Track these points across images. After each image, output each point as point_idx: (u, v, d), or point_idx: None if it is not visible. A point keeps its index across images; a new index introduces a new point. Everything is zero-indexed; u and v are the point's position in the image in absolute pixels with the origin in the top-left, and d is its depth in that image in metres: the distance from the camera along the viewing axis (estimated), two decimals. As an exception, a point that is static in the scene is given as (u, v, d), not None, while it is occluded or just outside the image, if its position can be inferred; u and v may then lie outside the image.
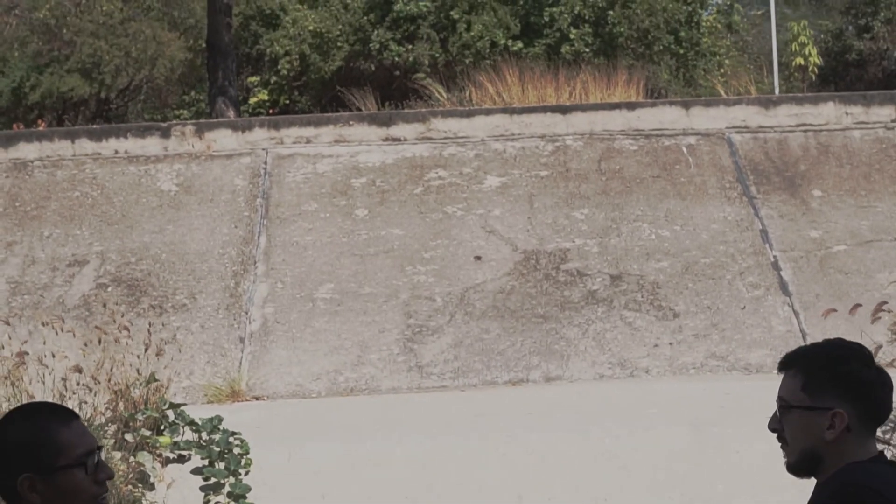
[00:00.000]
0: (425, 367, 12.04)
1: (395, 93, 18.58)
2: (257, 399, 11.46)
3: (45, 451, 3.17)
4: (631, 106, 14.62)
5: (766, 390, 10.55)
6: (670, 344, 12.14)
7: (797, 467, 3.27)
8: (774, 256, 12.93)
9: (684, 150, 14.30)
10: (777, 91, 17.40)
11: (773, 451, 8.85)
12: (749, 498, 8.71)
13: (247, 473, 8.61)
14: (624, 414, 9.74)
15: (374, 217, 13.52)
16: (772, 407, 9.32)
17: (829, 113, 14.50)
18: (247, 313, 12.48)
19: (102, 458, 3.26)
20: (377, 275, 12.89)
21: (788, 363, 3.31)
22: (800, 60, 17.39)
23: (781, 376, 3.34)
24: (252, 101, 21.27)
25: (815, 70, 18.11)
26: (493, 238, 13.28)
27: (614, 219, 13.48)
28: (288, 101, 21.46)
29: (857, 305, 9.65)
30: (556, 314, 12.47)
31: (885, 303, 9.21)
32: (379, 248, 13.18)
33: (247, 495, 8.43)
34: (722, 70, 21.44)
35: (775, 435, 3.33)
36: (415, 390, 11.75)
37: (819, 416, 3.20)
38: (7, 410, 3.45)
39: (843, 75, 23.01)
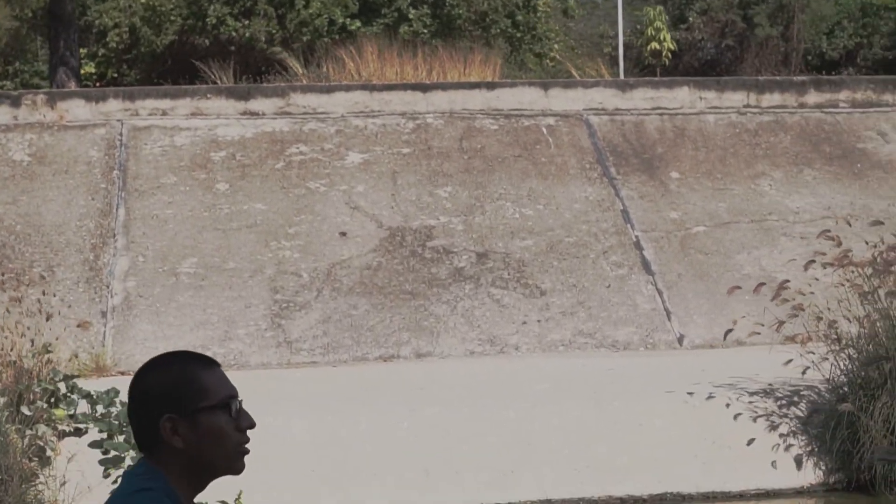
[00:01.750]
0: (294, 342, 11.83)
1: (248, 68, 18.20)
2: (123, 374, 11.08)
3: (186, 392, 2.98)
4: (490, 86, 14.63)
5: (648, 367, 10.69)
6: (538, 321, 12.18)
7: None
8: (636, 236, 13.09)
9: (544, 130, 14.37)
10: (622, 75, 17.64)
11: (672, 425, 8.95)
12: (651, 470, 8.77)
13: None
14: (518, 389, 9.72)
15: (236, 191, 13.22)
16: (658, 382, 9.36)
17: (683, 97, 14.75)
18: (108, 287, 12.06)
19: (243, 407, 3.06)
20: (241, 249, 12.61)
21: None
22: (655, 45, 17.69)
23: None
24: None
25: (669, 55, 18.45)
26: (358, 214, 13.13)
27: (478, 197, 13.46)
28: (116, 75, 20.85)
29: (761, 284, 9.83)
30: (425, 291, 12.39)
31: (788, 280, 9.38)
32: (242, 222, 12.90)
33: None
34: (552, 55, 21.65)
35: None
36: (285, 366, 11.53)
37: None
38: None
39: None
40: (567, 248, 12.93)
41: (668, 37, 17.89)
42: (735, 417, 9.04)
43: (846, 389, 8.85)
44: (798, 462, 8.84)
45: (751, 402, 9.17)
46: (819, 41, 25.93)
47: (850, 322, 8.99)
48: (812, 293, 9.31)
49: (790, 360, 9.04)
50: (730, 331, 9.69)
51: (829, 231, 9.29)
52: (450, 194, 13.47)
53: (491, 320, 12.15)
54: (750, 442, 8.89)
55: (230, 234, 12.76)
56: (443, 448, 8.84)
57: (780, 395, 9.27)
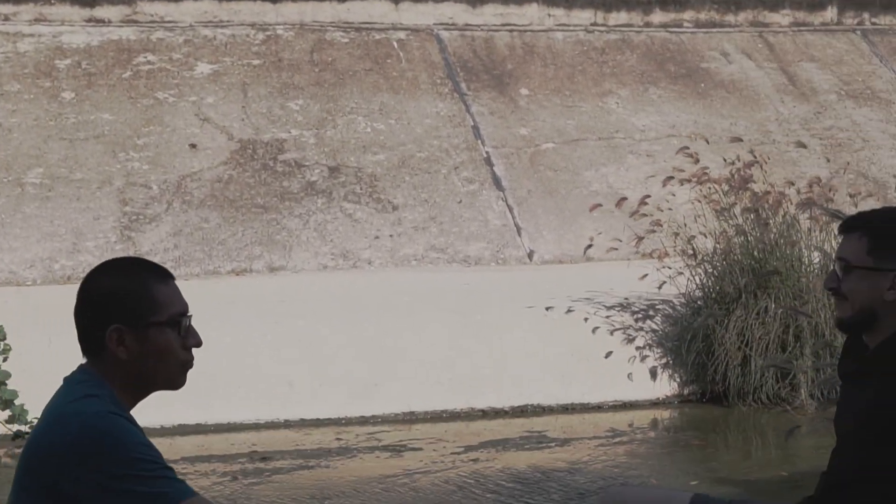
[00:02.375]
0: (145, 255, 11.64)
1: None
2: (-32, 287, 10.81)
3: (138, 304, 2.95)
4: (341, -2, 14.50)
5: (503, 281, 10.81)
6: (391, 236, 12.21)
7: (851, 322, 3.39)
8: (487, 152, 13.17)
9: (395, 44, 14.32)
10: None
11: (533, 339, 9.10)
12: (512, 383, 8.92)
13: (5, 360, 8.15)
14: (378, 303, 9.76)
15: (82, 101, 12.91)
16: (516, 296, 9.55)
17: (532, 14, 14.83)
18: (-50, 197, 11.72)
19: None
20: (88, 160, 12.35)
21: (852, 226, 3.41)
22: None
23: (842, 238, 3.44)
24: None
25: None
26: (208, 126, 12.95)
27: (329, 110, 13.38)
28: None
29: (623, 199, 9.98)
30: (277, 205, 12.31)
31: (649, 196, 9.55)
32: (89, 132, 12.62)
33: (7, 382, 7.99)
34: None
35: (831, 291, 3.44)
36: (136, 280, 11.35)
37: (882, 277, 3.32)
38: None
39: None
40: (419, 163, 12.95)
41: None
42: (593, 331, 9.22)
43: (701, 303, 9.09)
44: (654, 374, 9.07)
45: (608, 317, 9.37)
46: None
47: (707, 238, 9.22)
48: (670, 209, 9.51)
49: (645, 275, 9.24)
50: (589, 246, 9.86)
51: (687, 148, 9.48)
52: (301, 107, 13.37)
53: (344, 234, 12.13)
54: (608, 355, 9.09)
55: (77, 144, 12.48)
56: (305, 362, 8.85)
57: (636, 309, 9.48)
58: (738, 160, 9.25)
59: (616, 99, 14.07)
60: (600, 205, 10.44)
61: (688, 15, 15.24)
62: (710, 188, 9.19)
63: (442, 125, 13.43)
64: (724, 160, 9.66)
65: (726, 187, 9.11)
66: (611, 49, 14.76)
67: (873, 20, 15.57)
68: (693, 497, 3.65)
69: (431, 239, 12.24)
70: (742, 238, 9.01)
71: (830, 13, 15.52)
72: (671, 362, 9.10)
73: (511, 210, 12.60)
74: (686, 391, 9.02)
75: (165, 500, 2.80)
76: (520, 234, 12.36)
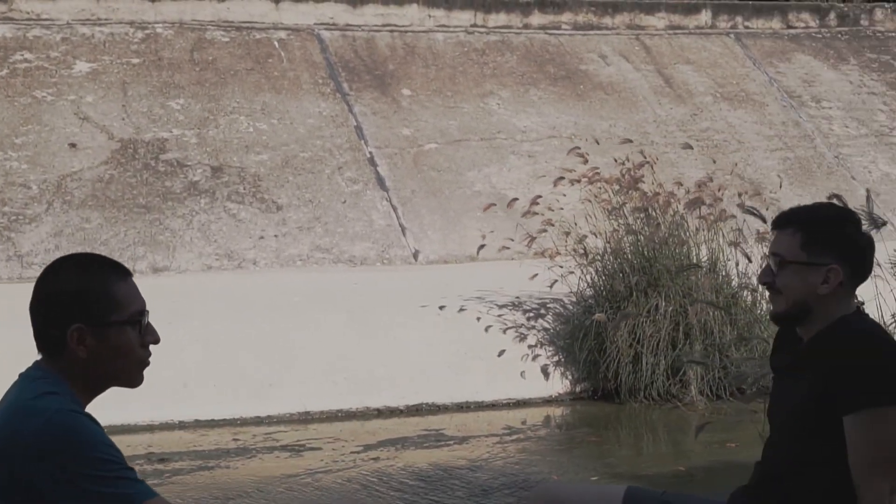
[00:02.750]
0: (25, 256, 11.46)
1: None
2: None
3: (98, 303, 2.93)
4: (221, -4, 14.40)
5: (393, 281, 10.84)
6: (275, 236, 12.16)
7: (786, 316, 3.48)
8: (370, 152, 13.19)
9: (276, 44, 14.26)
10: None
11: (426, 338, 9.14)
12: (406, 381, 8.95)
13: None
14: (269, 303, 9.72)
15: (-43, 98, 12.64)
16: (408, 295, 9.56)
17: (413, 15, 14.88)
18: None
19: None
20: (-35, 160, 12.09)
21: (786, 222, 3.50)
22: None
23: (775, 233, 3.52)
24: None
25: None
26: (88, 125, 12.76)
27: (211, 110, 13.28)
28: None
29: (515, 199, 10.07)
30: (159, 205, 12.18)
31: (540, 196, 9.64)
32: (-35, 131, 12.36)
33: None
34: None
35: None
36: (16, 280, 11.16)
37: (815, 272, 3.41)
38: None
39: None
40: (302, 163, 12.91)
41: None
42: (486, 330, 9.30)
43: (592, 302, 9.21)
44: (546, 372, 9.17)
45: (500, 315, 9.45)
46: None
47: (597, 237, 9.35)
48: (561, 209, 9.63)
49: (536, 275, 9.35)
50: (482, 246, 9.92)
51: (578, 148, 9.60)
52: (182, 107, 13.24)
53: (228, 235, 12.05)
54: (501, 353, 9.17)
55: (-48, 143, 12.21)
56: (199, 363, 8.78)
57: (528, 307, 9.58)
58: (628, 160, 9.40)
59: (497, 100, 14.18)
60: (494, 204, 10.55)
61: (566, 17, 15.42)
62: (600, 188, 9.32)
63: (325, 125, 13.41)
64: (615, 160, 9.80)
65: (616, 187, 9.24)
66: (491, 50, 14.87)
67: (746, 24, 15.91)
68: (627, 489, 3.72)
69: (316, 239, 12.21)
70: (632, 237, 9.15)
71: (705, 17, 15.82)
72: (563, 360, 9.21)
73: (395, 210, 12.63)
74: (578, 388, 9.14)
75: (128, 500, 2.79)
76: (405, 235, 12.39)
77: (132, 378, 3.03)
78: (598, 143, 11.35)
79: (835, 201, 6.11)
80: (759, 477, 3.56)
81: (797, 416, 3.40)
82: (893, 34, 16.33)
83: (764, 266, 3.56)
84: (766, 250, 8.59)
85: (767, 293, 3.60)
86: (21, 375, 2.99)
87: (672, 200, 9.04)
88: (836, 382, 3.30)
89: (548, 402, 9.06)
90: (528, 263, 9.91)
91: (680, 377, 8.81)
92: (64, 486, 2.75)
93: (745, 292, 9.12)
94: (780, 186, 12.47)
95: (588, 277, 9.30)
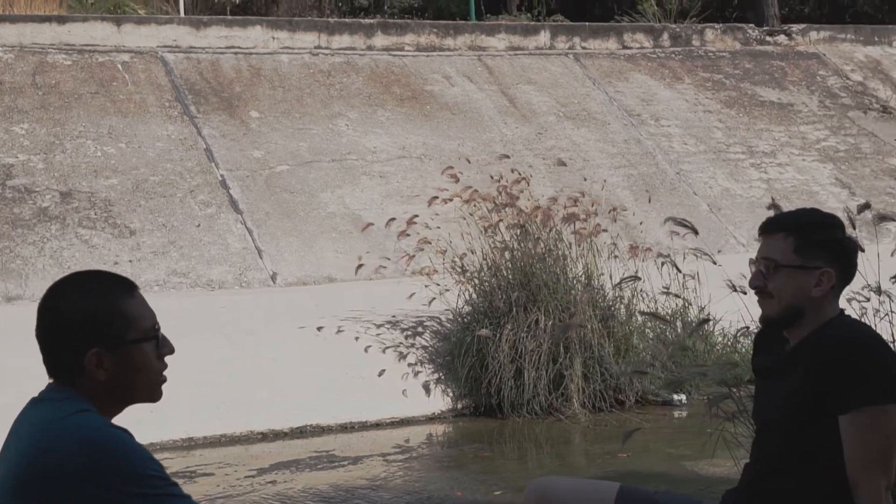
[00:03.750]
0: None
1: None
2: None
3: (112, 324, 2.85)
4: (61, 19, 14.11)
5: (261, 303, 10.74)
6: (130, 261, 11.95)
7: (779, 319, 3.57)
8: (222, 175, 13.07)
9: (119, 67, 14.03)
10: (182, 12, 17.44)
11: (307, 359, 9.09)
12: (289, 404, 8.89)
13: None
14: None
15: None
16: (282, 317, 9.52)
17: (257, 36, 14.80)
18: None
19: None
20: None
21: (776, 227, 3.58)
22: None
23: (764, 238, 3.61)
24: None
25: None
26: (-71, 151, 12.36)
27: (57, 134, 13.00)
28: None
29: (370, 224, 10.10)
30: (9, 232, 11.87)
31: (417, 215, 9.66)
32: None
33: None
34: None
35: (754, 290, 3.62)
36: None
37: (808, 275, 3.51)
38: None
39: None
40: (153, 187, 12.72)
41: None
42: (366, 349, 9.30)
43: (469, 318, 9.28)
44: (427, 390, 9.20)
45: (379, 335, 9.46)
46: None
47: (474, 254, 9.42)
48: (438, 228, 9.68)
49: (413, 294, 9.40)
50: (360, 266, 9.90)
51: (451, 168, 9.67)
52: (27, 131, 12.93)
53: (81, 261, 11.79)
54: (381, 373, 9.18)
55: None
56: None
57: (405, 326, 9.60)
58: (502, 178, 9.51)
59: (346, 121, 14.19)
60: (372, 224, 10.55)
61: (409, 39, 15.52)
62: (475, 206, 9.40)
63: (174, 148, 13.23)
64: (491, 177, 9.91)
65: (492, 205, 9.34)
66: (337, 72, 14.88)
67: (583, 45, 16.23)
68: (620, 487, 3.78)
69: (172, 264, 12.04)
70: (509, 253, 9.25)
71: (544, 38, 16.09)
72: (444, 377, 9.26)
73: (251, 233, 12.53)
74: (460, 405, 9.19)
75: None
76: (261, 257, 12.30)
77: (153, 393, 2.97)
78: (468, 162, 11.43)
79: (680, 222, 6.29)
80: (751, 476, 3.65)
81: (790, 415, 3.50)
82: (724, 54, 16.85)
83: (754, 271, 3.64)
84: (660, 261, 8.79)
85: (757, 297, 3.67)
86: (38, 399, 2.90)
87: (551, 216, 9.16)
88: (831, 382, 3.40)
89: (431, 419, 9.09)
90: (393, 282, 9.94)
91: (562, 391, 8.94)
92: None
93: (620, 305, 9.31)
94: (637, 202, 12.76)
95: (466, 295, 9.37)
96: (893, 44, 17.89)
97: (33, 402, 2.91)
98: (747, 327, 7.38)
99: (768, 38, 17.41)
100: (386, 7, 26.46)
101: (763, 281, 3.58)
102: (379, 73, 15.06)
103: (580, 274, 9.25)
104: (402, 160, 13.79)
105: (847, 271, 3.58)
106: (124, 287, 2.91)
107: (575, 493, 3.75)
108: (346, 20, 16.99)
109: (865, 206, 6.69)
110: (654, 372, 7.05)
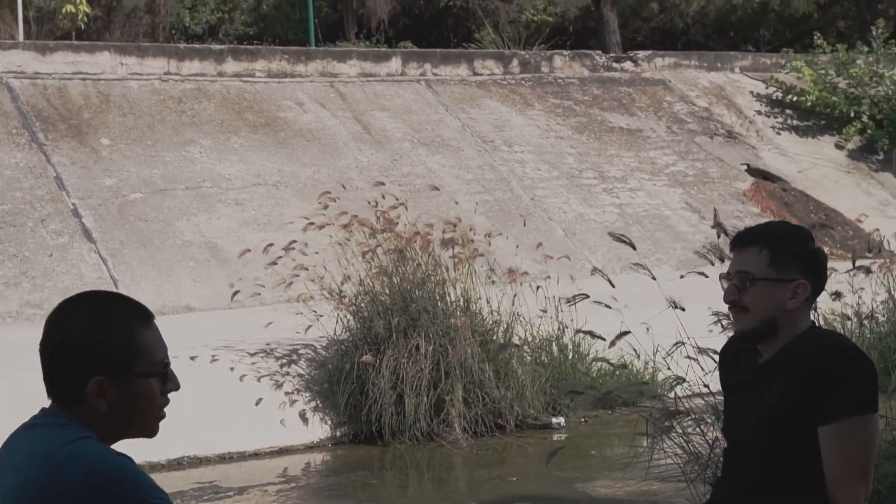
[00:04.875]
0: None
1: None
2: None
3: (123, 353, 2.67)
4: None
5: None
6: (-20, 293, 11.56)
7: (755, 333, 3.53)
8: (74, 204, 12.72)
9: (-39, 92, 13.57)
10: (22, 37, 16.96)
11: (182, 390, 8.85)
12: (166, 435, 8.59)
13: None
14: (9, 361, 9.23)
15: None
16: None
17: (105, 62, 14.47)
18: None
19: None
20: None
21: (749, 241, 3.55)
22: (70, 8, 16.98)
23: (737, 252, 3.57)
24: None
25: (85, 19, 17.74)
26: None
27: None
28: None
29: (246, 250, 9.95)
30: None
31: (295, 241, 9.47)
32: None
33: None
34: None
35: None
36: None
37: (784, 288, 3.50)
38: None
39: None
40: (2, 216, 12.32)
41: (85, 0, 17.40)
42: (241, 379, 9.11)
43: (348, 345, 9.16)
44: (305, 418, 9.05)
45: (253, 363, 9.28)
46: (183, 15, 26.24)
47: (350, 281, 9.31)
48: (316, 253, 9.53)
49: (270, 323, 9.29)
50: (236, 292, 9.70)
51: (329, 193, 9.55)
52: None
53: (-72, 294, 11.37)
54: (258, 402, 9.00)
55: None
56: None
57: (279, 354, 9.44)
58: (378, 204, 9.43)
59: (199, 148, 13.95)
60: (249, 250, 10.34)
61: (259, 65, 15.35)
62: (350, 232, 9.30)
63: (23, 176, 12.84)
64: (369, 203, 9.82)
65: (369, 230, 9.25)
66: (188, 98, 14.63)
67: (435, 71, 16.25)
68: None
69: (25, 294, 11.67)
70: (387, 279, 9.16)
71: (395, 64, 16.07)
72: (322, 405, 9.12)
73: (105, 262, 12.21)
74: (339, 433, 9.06)
75: None
76: (117, 287, 11.98)
77: (150, 429, 2.81)
78: (344, 188, 11.27)
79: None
80: (725, 493, 3.61)
81: (768, 429, 3.47)
82: (573, 80, 17.04)
83: (728, 286, 3.59)
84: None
85: (731, 312, 3.64)
86: (29, 426, 2.72)
87: (429, 241, 9.12)
88: (813, 393, 3.38)
89: (310, 448, 8.95)
90: (259, 311, 9.78)
91: (443, 416, 8.87)
92: None
93: (498, 328, 9.30)
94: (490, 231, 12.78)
95: (344, 321, 9.25)
96: (735, 70, 18.32)
97: (24, 429, 2.73)
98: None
99: (615, 65, 17.68)
100: (221, 35, 26.22)
101: (738, 295, 3.54)
102: (231, 99, 14.85)
103: (459, 299, 9.21)
104: (258, 187, 13.61)
105: (819, 282, 3.58)
106: (141, 315, 2.74)
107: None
108: (196, 46, 16.74)
109: (718, 226, 6.74)
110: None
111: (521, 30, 23.18)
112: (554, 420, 9.29)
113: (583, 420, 9.48)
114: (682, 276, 7.84)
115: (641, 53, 18.13)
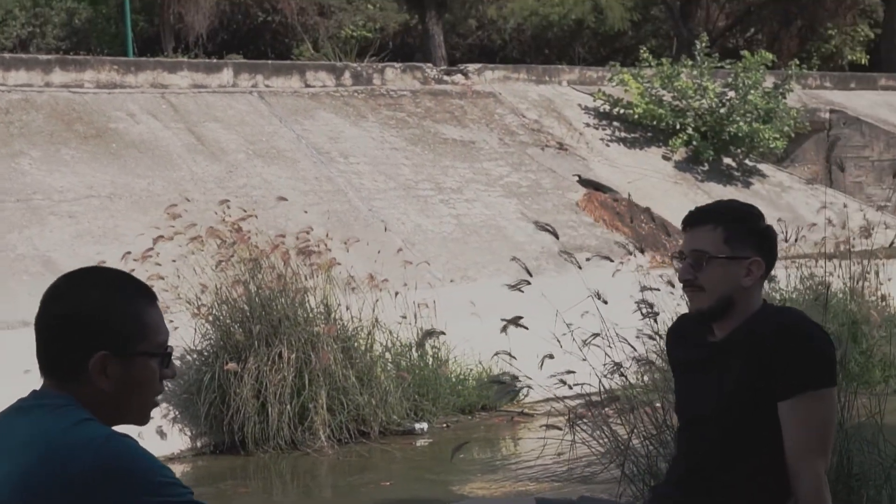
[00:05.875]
0: None
1: None
2: None
3: (129, 330, 2.55)
4: None
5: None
6: None
7: (711, 312, 3.54)
8: None
9: None
10: None
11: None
12: None
13: None
14: None
15: None
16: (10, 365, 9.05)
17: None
18: None
19: None
20: None
21: (702, 220, 3.56)
22: None
23: (690, 231, 3.57)
24: None
25: None
26: None
27: None
28: None
29: (102, 262, 9.65)
30: None
31: (151, 248, 9.22)
32: None
33: None
34: None
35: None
36: None
37: (738, 265, 3.51)
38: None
39: None
40: None
41: None
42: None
43: (208, 354, 8.99)
44: (164, 429, 8.85)
45: (108, 375, 9.01)
46: (-8, 29, 25.55)
47: (206, 291, 9.14)
48: (173, 261, 9.33)
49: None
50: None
51: (175, 206, 9.37)
52: None
53: None
54: (114, 414, 8.74)
55: None
56: None
57: (134, 365, 9.19)
58: (226, 215, 9.31)
59: (28, 159, 13.53)
60: (104, 262, 10.03)
61: (88, 76, 14.98)
62: (200, 243, 9.13)
63: None
64: (216, 213, 9.66)
65: (220, 241, 9.10)
66: (15, 109, 14.18)
67: (267, 83, 16.09)
68: (537, 499, 3.68)
69: None
70: (242, 287, 9.02)
71: (227, 75, 15.86)
72: (181, 416, 8.93)
73: (-63, 278, 11.75)
74: (200, 443, 8.88)
75: None
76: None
77: (145, 415, 2.69)
78: (188, 200, 11.06)
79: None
80: (683, 471, 3.60)
81: (730, 406, 3.47)
82: (405, 92, 17.05)
83: (682, 265, 3.59)
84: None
85: (685, 291, 3.63)
86: (28, 406, 2.57)
87: (287, 249, 9.03)
88: (773, 369, 3.41)
89: (169, 459, 8.72)
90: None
91: (307, 424, 8.76)
92: None
93: (361, 335, 9.25)
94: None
95: (202, 330, 9.07)
96: (563, 83, 18.58)
97: (14, 412, 2.57)
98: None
99: (446, 78, 17.76)
100: (32, 50, 25.56)
101: (693, 273, 3.54)
102: (60, 110, 14.46)
103: (319, 306, 9.12)
104: (91, 199, 13.26)
105: (771, 260, 3.61)
106: (146, 293, 2.63)
107: (492, 512, 3.63)
108: (23, 56, 16.28)
109: (543, 228, 6.65)
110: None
111: (341, 45, 23.14)
112: (417, 426, 9.27)
113: (445, 425, 9.48)
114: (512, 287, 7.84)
115: (472, 66, 18.26)
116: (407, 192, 15.03)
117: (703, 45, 17.64)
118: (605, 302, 6.23)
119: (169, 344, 2.67)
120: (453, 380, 9.66)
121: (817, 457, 3.42)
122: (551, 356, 5.79)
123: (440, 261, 13.91)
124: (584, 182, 16.35)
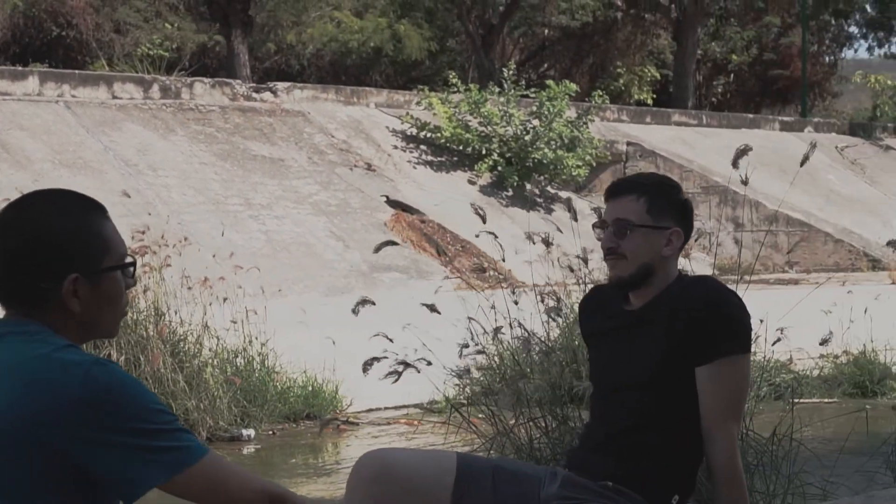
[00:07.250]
0: None
1: None
2: None
3: (93, 249, 2.49)
4: None
5: None
6: None
7: (632, 280, 3.61)
8: None
9: None
10: None
11: None
12: None
13: None
14: None
15: None
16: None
17: None
18: None
19: None
20: None
21: (625, 189, 3.64)
22: None
23: (612, 201, 3.65)
24: None
25: None
26: None
27: None
28: None
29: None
30: None
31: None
32: None
33: None
34: None
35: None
36: None
37: (660, 235, 3.61)
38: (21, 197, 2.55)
39: None
40: None
41: None
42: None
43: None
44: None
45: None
46: None
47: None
48: None
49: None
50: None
51: None
52: None
53: None
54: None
55: None
56: None
57: None
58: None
59: None
60: None
61: None
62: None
63: None
64: None
65: None
66: None
67: (73, 93, 15.77)
68: (458, 455, 3.69)
69: None
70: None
71: (33, 84, 15.49)
72: (2, 420, 8.66)
73: None
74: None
75: (190, 453, 2.45)
76: None
77: (114, 328, 2.63)
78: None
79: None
80: (602, 437, 3.64)
81: (646, 373, 3.55)
82: (214, 108, 16.91)
83: (605, 233, 3.65)
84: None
85: (606, 260, 3.69)
86: (5, 336, 2.49)
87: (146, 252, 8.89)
88: (691, 337, 3.50)
89: None
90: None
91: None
92: (125, 446, 2.37)
93: (190, 339, 9.15)
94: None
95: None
96: (371, 105, 18.68)
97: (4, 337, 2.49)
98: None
99: (255, 95, 17.68)
100: None
101: (615, 241, 3.61)
102: None
103: (150, 307, 8.98)
104: None
105: (689, 232, 3.72)
106: (99, 209, 2.56)
107: (416, 464, 3.61)
108: None
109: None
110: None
111: (136, 65, 22.81)
112: (244, 432, 9.18)
113: (271, 432, 9.42)
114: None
115: (281, 85, 18.23)
116: (216, 206, 14.90)
117: (511, 73, 17.98)
118: (439, 312, 6.16)
119: (127, 252, 2.62)
120: (279, 388, 9.62)
121: (732, 422, 3.53)
122: (375, 361, 5.71)
123: (251, 276, 13.81)
124: (392, 203, 16.47)
